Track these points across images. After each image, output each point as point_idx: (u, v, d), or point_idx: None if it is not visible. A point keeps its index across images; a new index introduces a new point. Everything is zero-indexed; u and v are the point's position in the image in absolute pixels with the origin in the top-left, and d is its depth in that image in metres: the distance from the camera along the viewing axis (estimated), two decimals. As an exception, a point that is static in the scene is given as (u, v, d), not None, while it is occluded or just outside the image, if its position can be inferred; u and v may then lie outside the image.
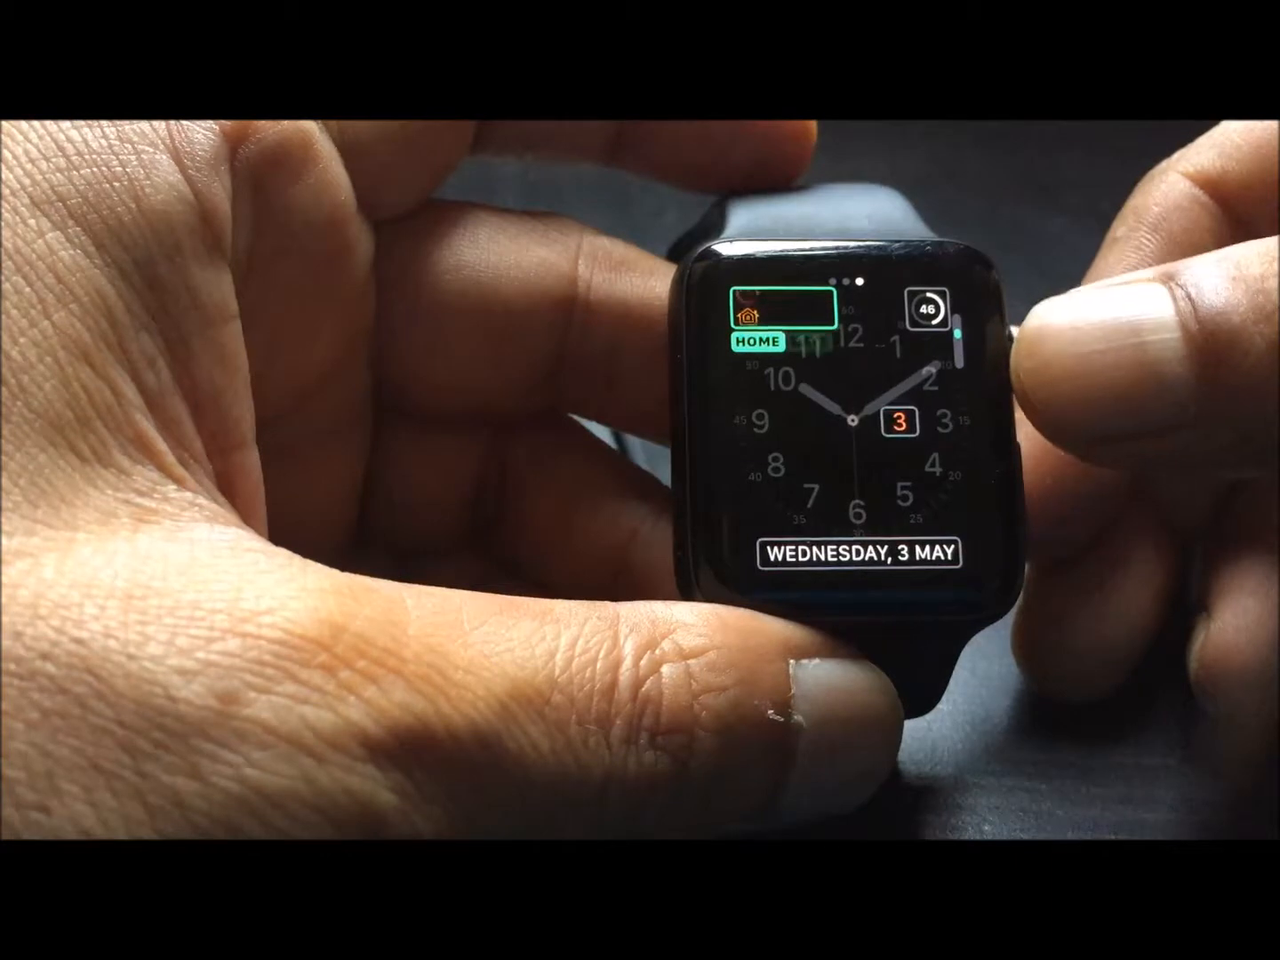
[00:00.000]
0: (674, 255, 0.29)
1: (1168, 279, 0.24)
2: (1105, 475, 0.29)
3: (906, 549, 0.24)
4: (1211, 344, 0.23)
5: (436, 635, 0.20)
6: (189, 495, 0.21)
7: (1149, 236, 0.29)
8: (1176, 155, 0.30)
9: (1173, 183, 0.29)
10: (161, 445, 0.21)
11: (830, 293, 0.26)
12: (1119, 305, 0.24)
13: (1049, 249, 0.42)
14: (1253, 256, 0.23)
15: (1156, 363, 0.23)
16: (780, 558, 0.24)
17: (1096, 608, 0.30)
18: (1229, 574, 0.29)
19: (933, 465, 0.25)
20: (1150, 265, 0.28)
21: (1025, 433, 0.25)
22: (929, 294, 0.26)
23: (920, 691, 0.27)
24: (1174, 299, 0.23)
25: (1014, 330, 0.26)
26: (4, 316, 0.20)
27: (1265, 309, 0.23)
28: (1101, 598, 0.30)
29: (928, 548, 0.24)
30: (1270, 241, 0.23)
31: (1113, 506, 0.30)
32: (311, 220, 0.25)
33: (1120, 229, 0.29)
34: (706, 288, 0.26)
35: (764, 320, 0.25)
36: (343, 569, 0.21)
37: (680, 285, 0.26)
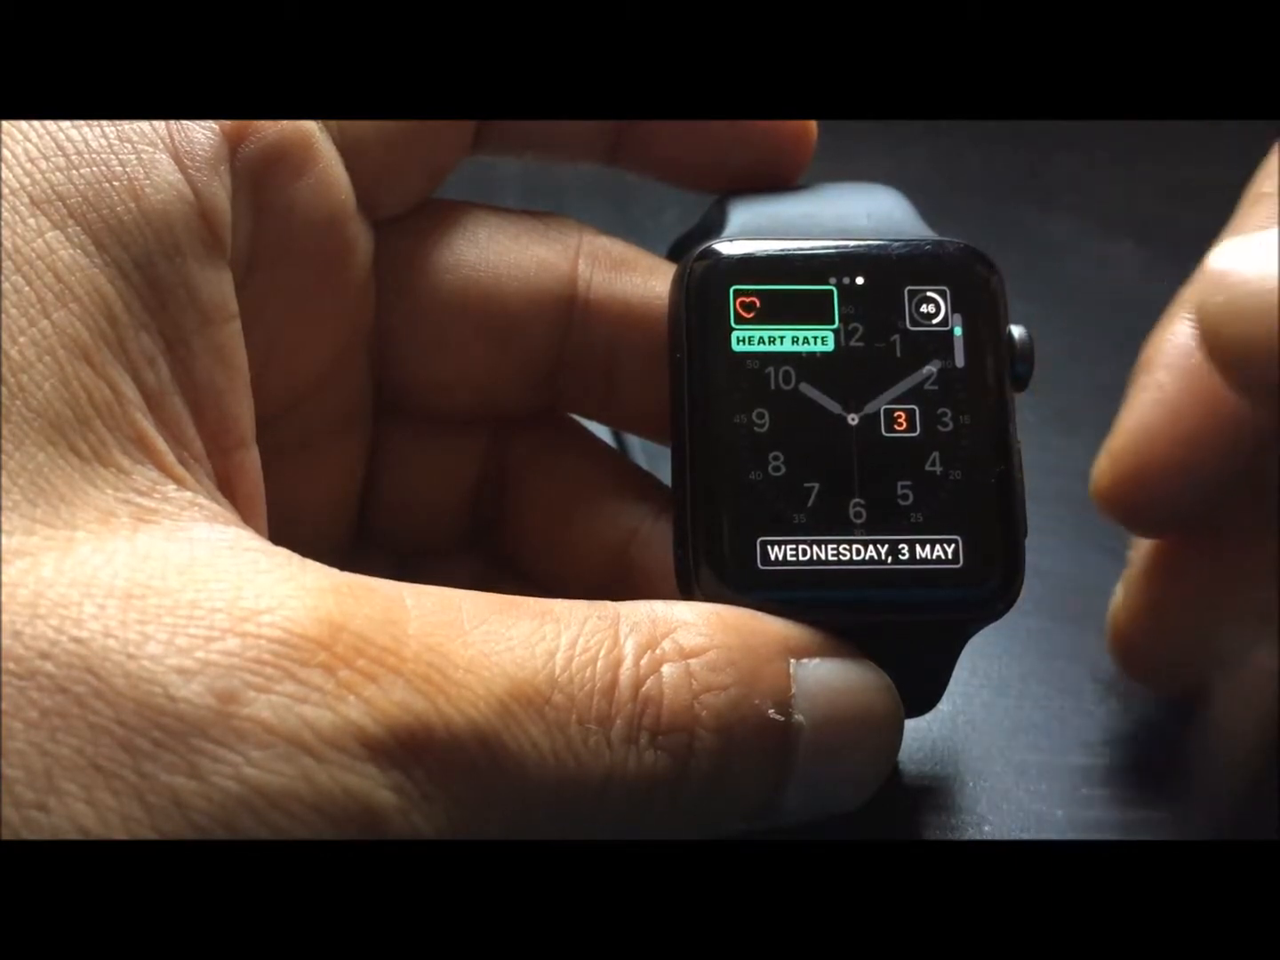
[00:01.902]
0: (674, 255, 0.29)
1: None
2: (1223, 458, 0.27)
3: (907, 548, 0.24)
4: None
5: (436, 634, 0.20)
6: (189, 495, 0.21)
7: None
8: None
9: None
10: (161, 444, 0.21)
11: (830, 292, 0.26)
12: None
13: (1049, 249, 0.42)
14: None
15: None
16: (780, 557, 0.24)
17: (1211, 599, 0.28)
18: None
19: (933, 464, 0.25)
20: None
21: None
22: (929, 293, 0.26)
23: (921, 691, 0.27)
24: None
25: (1014, 330, 0.26)
26: (3, 315, 0.20)
27: None
28: (1215, 591, 0.28)
29: (928, 547, 0.24)
30: None
31: (1225, 491, 0.28)
32: (311, 220, 0.25)
33: (1267, 184, 0.28)
34: (706, 287, 0.25)
35: (764, 319, 0.25)
36: (343, 569, 0.21)
37: (680, 285, 0.26)
